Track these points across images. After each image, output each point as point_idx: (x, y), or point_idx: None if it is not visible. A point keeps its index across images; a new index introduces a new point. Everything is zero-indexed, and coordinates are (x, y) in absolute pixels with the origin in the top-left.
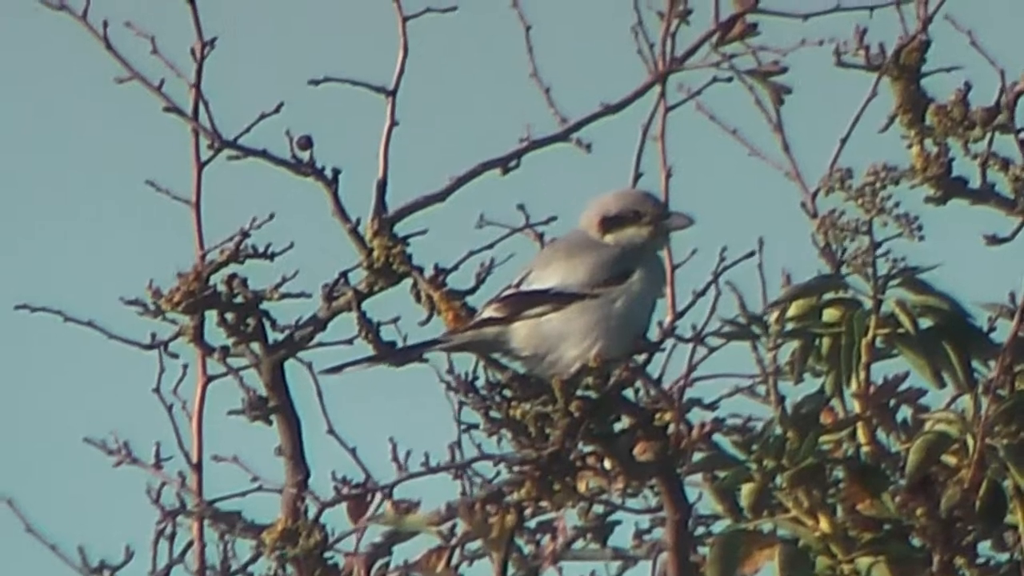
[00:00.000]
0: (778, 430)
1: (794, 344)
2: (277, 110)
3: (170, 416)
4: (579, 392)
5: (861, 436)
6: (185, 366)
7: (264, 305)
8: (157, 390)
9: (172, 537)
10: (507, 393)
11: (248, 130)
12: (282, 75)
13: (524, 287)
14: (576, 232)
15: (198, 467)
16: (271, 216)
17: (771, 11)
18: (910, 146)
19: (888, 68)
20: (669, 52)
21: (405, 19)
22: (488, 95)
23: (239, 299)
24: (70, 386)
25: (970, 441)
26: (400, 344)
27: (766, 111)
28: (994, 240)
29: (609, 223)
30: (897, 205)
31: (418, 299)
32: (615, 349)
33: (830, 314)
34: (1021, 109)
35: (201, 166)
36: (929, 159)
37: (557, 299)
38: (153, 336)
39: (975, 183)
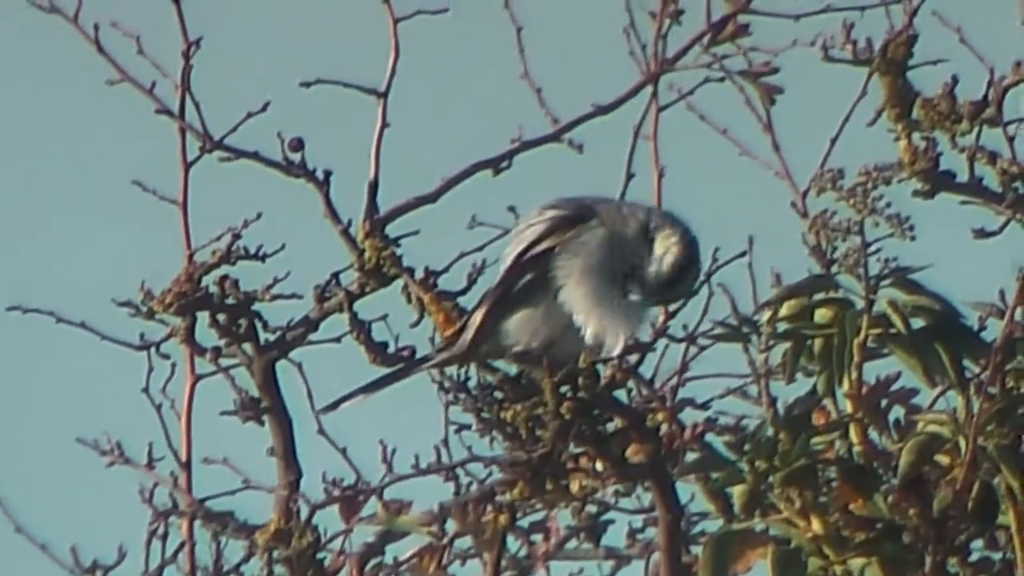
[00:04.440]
0: (770, 431)
1: (786, 344)
2: (264, 109)
3: (159, 416)
4: (569, 393)
5: (853, 436)
6: (174, 365)
7: (256, 306)
8: (146, 390)
9: (165, 537)
10: (498, 395)
11: (235, 129)
12: (273, 77)
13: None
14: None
15: (187, 466)
16: (258, 216)
17: (762, 12)
18: (897, 139)
19: (875, 62)
20: (661, 53)
21: (396, 21)
22: (479, 96)
23: (231, 300)
24: (63, 387)
25: (962, 441)
26: (391, 345)
27: (756, 111)
28: (982, 234)
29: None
30: (888, 205)
31: (409, 300)
32: (601, 283)
33: (822, 314)
34: (1009, 103)
35: (188, 166)
36: (917, 153)
37: (533, 262)
38: (142, 336)
39: (963, 177)
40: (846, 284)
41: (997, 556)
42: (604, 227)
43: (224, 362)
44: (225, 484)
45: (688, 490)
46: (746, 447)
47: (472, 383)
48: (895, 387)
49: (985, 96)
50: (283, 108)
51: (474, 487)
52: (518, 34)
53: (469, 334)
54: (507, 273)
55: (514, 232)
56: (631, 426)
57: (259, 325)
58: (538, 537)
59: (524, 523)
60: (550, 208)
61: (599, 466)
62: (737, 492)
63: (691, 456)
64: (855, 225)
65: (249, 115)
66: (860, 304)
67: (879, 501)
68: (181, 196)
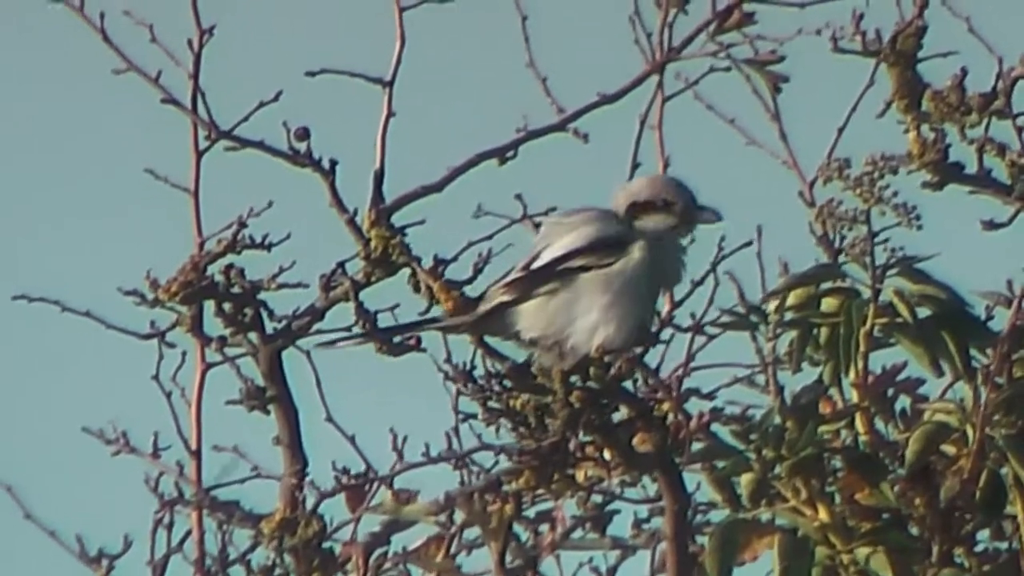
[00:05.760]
0: (777, 420)
1: (793, 333)
2: (276, 98)
3: (169, 404)
4: (578, 383)
5: (860, 426)
6: (184, 354)
7: (261, 295)
8: (156, 378)
9: (170, 526)
10: (506, 383)
11: (246, 119)
12: (279, 66)
13: (533, 265)
14: (589, 207)
15: (197, 454)
16: (270, 204)
17: (768, 0)
18: (907, 131)
19: (885, 53)
20: (666, 41)
21: (402, 9)
22: (485, 85)
23: (236, 289)
24: (68, 376)
25: (969, 431)
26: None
27: (763, 100)
28: (991, 225)
29: (636, 208)
30: (895, 194)
31: (416, 289)
32: (624, 320)
33: (828, 303)
34: (1018, 94)
35: (200, 155)
36: (926, 145)
37: (562, 275)
38: (152, 324)
39: (972, 169)
40: (853, 273)
41: (1004, 546)
42: (643, 255)
43: (231, 351)
44: (234, 473)
45: (695, 479)
46: (753, 436)
47: (478, 372)
48: (901, 376)
49: (994, 88)
50: (289, 97)
51: (481, 476)
52: (523, 23)
53: (485, 307)
54: (537, 272)
55: (552, 223)
56: (638, 416)
57: (265, 314)
58: (544, 527)
59: (530, 513)
60: (594, 221)
61: (606, 455)
62: (744, 481)
63: (698, 445)
64: (862, 214)
65: (261, 104)
66: (867, 293)
67: (886, 490)
68: (193, 184)
